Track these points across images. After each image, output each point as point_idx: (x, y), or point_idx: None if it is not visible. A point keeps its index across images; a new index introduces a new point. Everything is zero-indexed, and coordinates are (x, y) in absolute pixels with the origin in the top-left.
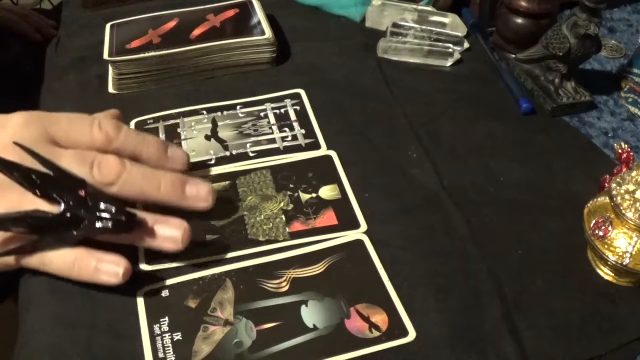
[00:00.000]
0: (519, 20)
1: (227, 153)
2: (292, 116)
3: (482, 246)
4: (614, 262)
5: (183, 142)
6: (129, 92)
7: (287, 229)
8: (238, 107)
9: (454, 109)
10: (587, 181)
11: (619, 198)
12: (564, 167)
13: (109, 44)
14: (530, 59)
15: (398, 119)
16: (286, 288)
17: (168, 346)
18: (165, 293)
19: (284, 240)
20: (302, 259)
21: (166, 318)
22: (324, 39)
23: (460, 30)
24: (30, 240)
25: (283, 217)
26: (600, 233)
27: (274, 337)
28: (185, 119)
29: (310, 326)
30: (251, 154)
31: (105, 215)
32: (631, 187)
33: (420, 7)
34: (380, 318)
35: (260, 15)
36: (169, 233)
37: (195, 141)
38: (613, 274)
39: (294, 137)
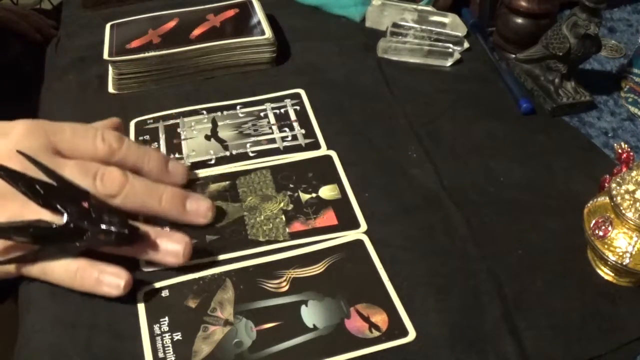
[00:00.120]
0: (519, 20)
1: (227, 153)
2: (292, 116)
3: (482, 246)
4: (614, 262)
5: (183, 142)
6: (129, 92)
7: (287, 229)
8: (238, 107)
9: (454, 109)
10: (587, 181)
11: (619, 198)
12: (564, 167)
13: (109, 44)
14: (530, 59)
15: (398, 119)
16: (286, 288)
17: (168, 346)
18: (165, 293)
19: (284, 240)
20: (302, 259)
21: (166, 318)
22: (324, 39)
23: (460, 30)
24: (32, 249)
25: (283, 217)
26: (600, 233)
27: (274, 337)
28: (185, 119)
29: (310, 326)
30: (251, 154)
31: (108, 227)
32: (631, 187)
33: (420, 7)
34: (380, 318)
35: (260, 15)
36: (171, 247)
37: (195, 141)
38: (613, 274)
39: (294, 137)
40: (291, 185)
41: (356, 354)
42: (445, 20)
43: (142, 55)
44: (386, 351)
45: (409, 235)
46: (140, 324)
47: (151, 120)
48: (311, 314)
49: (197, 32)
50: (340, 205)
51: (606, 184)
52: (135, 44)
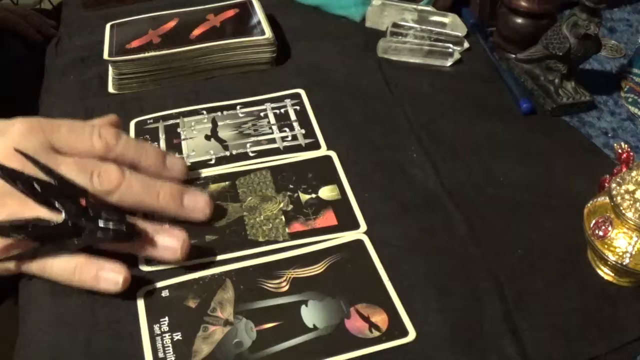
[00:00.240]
0: (519, 20)
1: (227, 153)
2: (292, 116)
3: (482, 246)
4: (614, 262)
5: (183, 142)
6: (129, 92)
7: (287, 230)
8: (238, 107)
9: (454, 109)
10: (587, 181)
11: (619, 198)
12: (564, 167)
13: (109, 44)
14: (530, 59)
15: (398, 119)
16: (286, 288)
17: (168, 346)
18: (165, 293)
19: (284, 240)
20: (302, 259)
21: (166, 318)
22: (324, 39)
23: (460, 30)
24: (31, 247)
25: (283, 217)
26: (600, 233)
27: (274, 337)
28: (185, 119)
29: (310, 326)
30: (251, 154)
31: (105, 224)
32: (631, 187)
33: (420, 7)
34: (380, 318)
35: (260, 15)
36: (169, 243)
37: (195, 141)
38: (613, 274)
39: (294, 137)
40: (291, 186)
41: (356, 354)
42: (445, 20)
43: (142, 55)
44: (386, 351)
45: (409, 235)
46: (140, 324)
47: (151, 120)
48: (311, 314)
49: (197, 32)
50: (340, 206)
51: (606, 184)
52: (135, 44)
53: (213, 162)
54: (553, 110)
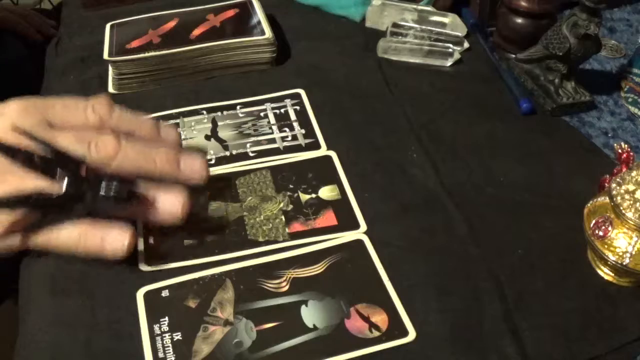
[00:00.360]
0: (519, 20)
1: (227, 153)
2: (292, 116)
3: (482, 246)
4: (614, 262)
5: (183, 142)
6: (129, 92)
7: (287, 230)
8: (238, 107)
9: (454, 109)
10: (587, 181)
11: (619, 198)
12: (564, 167)
13: (109, 44)
14: (530, 59)
15: (398, 119)
16: (286, 288)
17: (168, 346)
18: (165, 293)
19: (284, 240)
20: (302, 259)
21: (166, 318)
22: (324, 39)
23: (460, 30)
24: (35, 220)
25: (283, 217)
26: (600, 233)
27: (274, 337)
28: (185, 119)
29: (310, 326)
30: (251, 154)
31: (107, 190)
32: (631, 187)
33: (420, 7)
34: (380, 318)
35: (260, 15)
36: (169, 204)
37: (195, 141)
38: (613, 274)
39: (294, 137)
40: (291, 186)
41: (356, 354)
42: (445, 20)
43: (142, 55)
44: (386, 351)
45: (409, 235)
46: (140, 324)
47: None
48: (311, 314)
49: (197, 32)
50: (340, 206)
51: (606, 184)
52: (135, 44)
53: (213, 162)
54: (553, 110)
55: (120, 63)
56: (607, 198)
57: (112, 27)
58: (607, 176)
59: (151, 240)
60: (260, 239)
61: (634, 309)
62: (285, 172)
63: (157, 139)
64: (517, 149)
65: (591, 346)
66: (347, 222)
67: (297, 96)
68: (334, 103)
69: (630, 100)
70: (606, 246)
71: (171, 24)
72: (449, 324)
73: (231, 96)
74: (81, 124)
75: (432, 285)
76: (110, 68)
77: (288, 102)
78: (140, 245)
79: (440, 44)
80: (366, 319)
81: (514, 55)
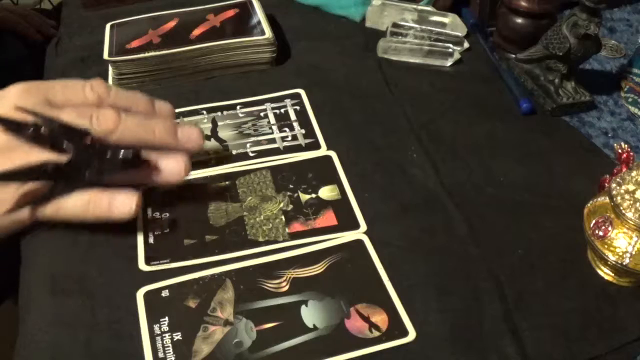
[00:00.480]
0: (519, 20)
1: (227, 153)
2: (292, 116)
3: (482, 246)
4: (614, 262)
5: None
6: None
7: (287, 230)
8: (238, 107)
9: (454, 109)
10: (587, 181)
11: (619, 198)
12: (564, 167)
13: (109, 44)
14: (530, 59)
15: (398, 119)
16: (286, 288)
17: (168, 346)
18: (165, 293)
19: (284, 240)
20: (302, 259)
21: (166, 318)
22: (324, 39)
23: (460, 30)
24: (44, 190)
25: (283, 217)
26: (600, 233)
27: (274, 337)
28: (185, 119)
29: (310, 326)
30: (251, 154)
31: (113, 154)
32: (631, 187)
33: (420, 7)
34: (380, 318)
35: (260, 15)
36: (172, 166)
37: None
38: (613, 274)
39: (294, 137)
40: (291, 186)
41: (356, 354)
42: (445, 20)
43: (142, 55)
44: (386, 351)
45: (409, 235)
46: (140, 324)
47: None
48: (311, 314)
49: (197, 32)
50: (340, 206)
51: (606, 184)
52: (135, 44)
53: (213, 162)
54: (553, 110)
55: (120, 63)
56: (607, 198)
57: (112, 27)
58: (607, 176)
59: (151, 240)
60: (260, 239)
61: (634, 309)
62: (285, 172)
63: (152, 113)
64: (517, 149)
65: (591, 346)
66: (347, 222)
67: (297, 96)
68: (334, 103)
69: (630, 100)
70: (606, 246)
71: (171, 24)
72: (449, 324)
73: (231, 96)
74: (81, 102)
75: (432, 285)
76: (110, 68)
77: (288, 102)
78: (141, 246)
79: (440, 44)
80: (366, 319)
81: (514, 55)
